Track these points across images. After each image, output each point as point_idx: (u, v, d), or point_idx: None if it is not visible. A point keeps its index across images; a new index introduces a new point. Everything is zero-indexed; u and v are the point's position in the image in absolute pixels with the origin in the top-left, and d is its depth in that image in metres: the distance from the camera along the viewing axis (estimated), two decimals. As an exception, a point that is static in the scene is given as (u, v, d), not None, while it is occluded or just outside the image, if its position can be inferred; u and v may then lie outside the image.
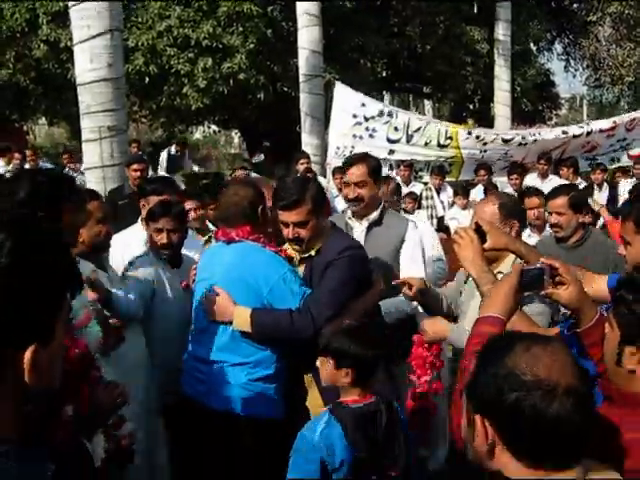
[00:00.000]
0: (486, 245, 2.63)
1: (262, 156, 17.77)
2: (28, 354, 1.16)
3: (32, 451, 1.17)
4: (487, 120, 17.56)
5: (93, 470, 1.45)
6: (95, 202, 3.52)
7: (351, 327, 2.91)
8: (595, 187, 9.89)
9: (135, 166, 6.67)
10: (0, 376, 1.15)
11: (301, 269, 3.46)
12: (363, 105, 9.92)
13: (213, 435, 3.27)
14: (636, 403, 1.77)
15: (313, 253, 3.44)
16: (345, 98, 9.96)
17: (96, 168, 6.69)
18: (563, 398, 1.42)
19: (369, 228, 4.11)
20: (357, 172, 4.07)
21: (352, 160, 4.21)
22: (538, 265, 2.28)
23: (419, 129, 9.98)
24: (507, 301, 2.14)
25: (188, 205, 5.07)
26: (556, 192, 4.64)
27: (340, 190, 9.00)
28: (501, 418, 1.47)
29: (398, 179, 9.22)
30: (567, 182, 8.87)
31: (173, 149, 14.79)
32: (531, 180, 9.65)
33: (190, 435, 3.41)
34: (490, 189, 9.08)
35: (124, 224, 4.67)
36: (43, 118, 20.71)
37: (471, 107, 20.92)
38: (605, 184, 10.11)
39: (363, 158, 4.20)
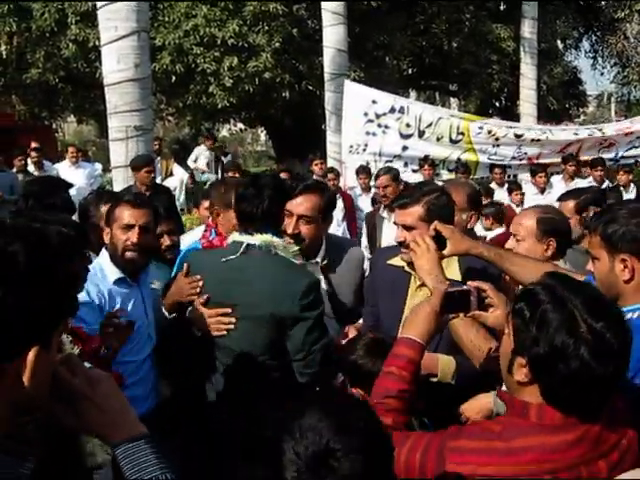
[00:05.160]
0: (446, 251, 2.58)
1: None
2: (31, 356, 1.15)
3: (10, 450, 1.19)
4: (513, 118, 17.44)
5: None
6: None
7: None
8: (622, 189, 9.77)
9: (147, 168, 6.48)
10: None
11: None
12: (374, 102, 9.79)
13: None
14: (521, 412, 1.71)
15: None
16: (355, 96, 9.83)
17: (122, 167, 6.80)
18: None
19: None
20: (305, 204, 3.19)
21: (303, 188, 3.23)
22: (465, 287, 2.27)
23: (430, 124, 9.85)
24: (427, 323, 2.12)
25: None
26: (566, 196, 4.63)
27: (364, 190, 9.04)
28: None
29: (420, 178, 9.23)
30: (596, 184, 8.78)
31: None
32: (557, 182, 9.58)
33: None
34: (514, 189, 9.04)
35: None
36: (72, 116, 20.96)
37: (497, 105, 20.81)
38: (632, 185, 9.96)
39: (315, 190, 3.27)
